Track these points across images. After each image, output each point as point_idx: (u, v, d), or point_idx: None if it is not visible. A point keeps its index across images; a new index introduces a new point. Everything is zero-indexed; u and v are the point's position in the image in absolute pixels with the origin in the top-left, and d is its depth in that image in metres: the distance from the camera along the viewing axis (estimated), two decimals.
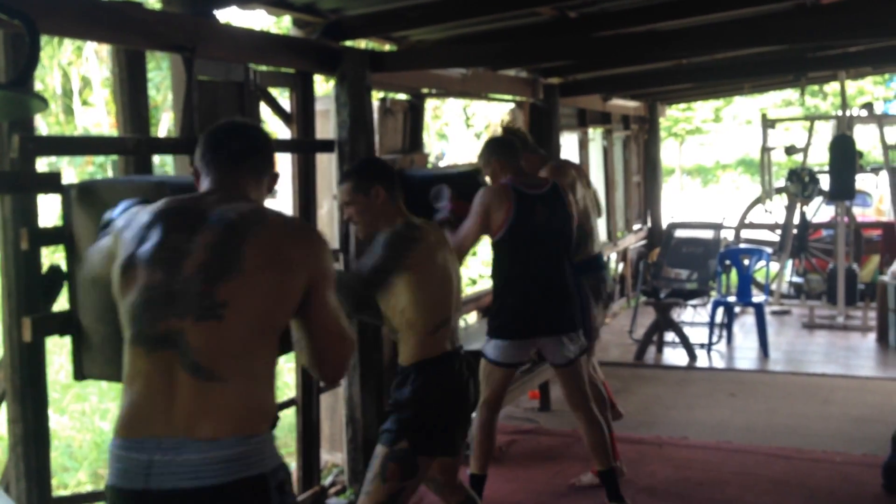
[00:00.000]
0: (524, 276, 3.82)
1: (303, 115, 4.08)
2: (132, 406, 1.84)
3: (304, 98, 4.08)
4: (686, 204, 20.24)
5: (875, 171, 9.38)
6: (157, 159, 4.65)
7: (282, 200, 4.78)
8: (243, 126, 2.18)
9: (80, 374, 2.79)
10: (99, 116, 11.58)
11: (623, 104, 9.38)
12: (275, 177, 2.15)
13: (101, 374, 2.77)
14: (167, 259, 1.87)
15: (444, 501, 3.23)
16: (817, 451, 4.88)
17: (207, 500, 1.79)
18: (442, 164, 10.67)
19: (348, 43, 4.32)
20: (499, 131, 5.52)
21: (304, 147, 4.09)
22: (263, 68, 3.86)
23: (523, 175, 3.93)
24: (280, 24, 10.22)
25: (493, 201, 3.76)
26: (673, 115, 21.35)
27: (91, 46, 11.08)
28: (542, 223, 3.82)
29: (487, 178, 4.08)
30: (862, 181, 9.48)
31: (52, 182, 2.77)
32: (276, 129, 4.27)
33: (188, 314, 1.83)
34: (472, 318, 6.32)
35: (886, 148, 8.75)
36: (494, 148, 3.98)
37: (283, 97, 4.42)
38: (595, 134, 8.90)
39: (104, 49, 11.44)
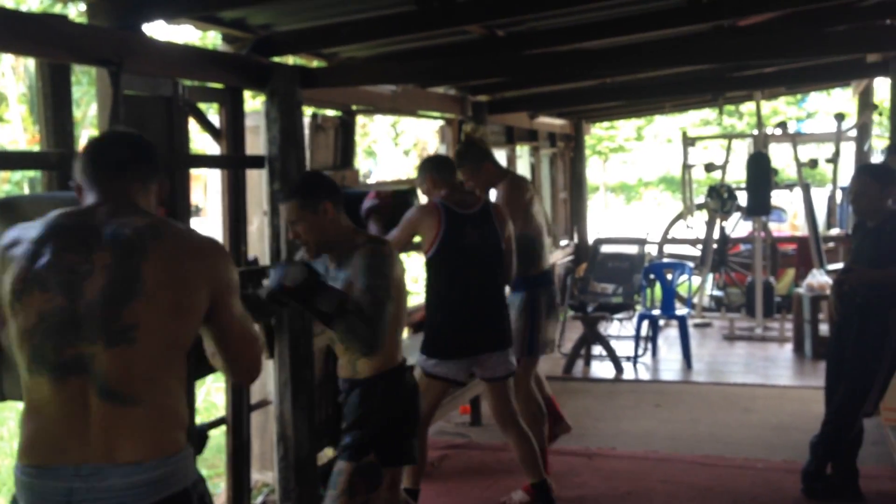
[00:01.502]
0: (457, 293, 3.87)
1: (232, 131, 4.04)
2: (41, 433, 1.80)
3: (234, 114, 4.04)
4: (610, 220, 20.65)
5: (789, 187, 9.75)
6: None
7: (211, 216, 4.73)
8: (124, 135, 2.15)
9: (0, 395, 2.70)
10: (15, 133, 11.26)
11: (549, 122, 9.54)
12: (164, 186, 2.10)
13: (21, 396, 2.70)
14: (65, 283, 1.81)
15: None
16: (739, 458, 5.02)
17: None
18: (369, 181, 10.68)
19: (278, 59, 4.31)
20: (430, 152, 5.57)
21: (234, 163, 4.05)
22: (192, 83, 3.82)
23: (457, 192, 3.98)
24: (205, 39, 10.11)
25: (422, 220, 3.83)
26: (597, 134, 21.81)
27: (8, 61, 10.75)
28: (472, 242, 3.88)
29: (422, 194, 4.14)
30: (777, 197, 9.83)
31: None
32: (206, 145, 4.21)
33: (98, 339, 1.79)
34: (403, 333, 6.32)
35: (800, 165, 9.11)
36: (430, 165, 4.04)
37: (212, 113, 4.36)
38: (522, 151, 9.02)
39: (21, 64, 11.12)
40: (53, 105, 3.01)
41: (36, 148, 4.02)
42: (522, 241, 4.45)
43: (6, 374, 2.64)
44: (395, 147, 13.60)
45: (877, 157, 10.14)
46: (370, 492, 2.91)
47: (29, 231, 1.89)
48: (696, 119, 22.13)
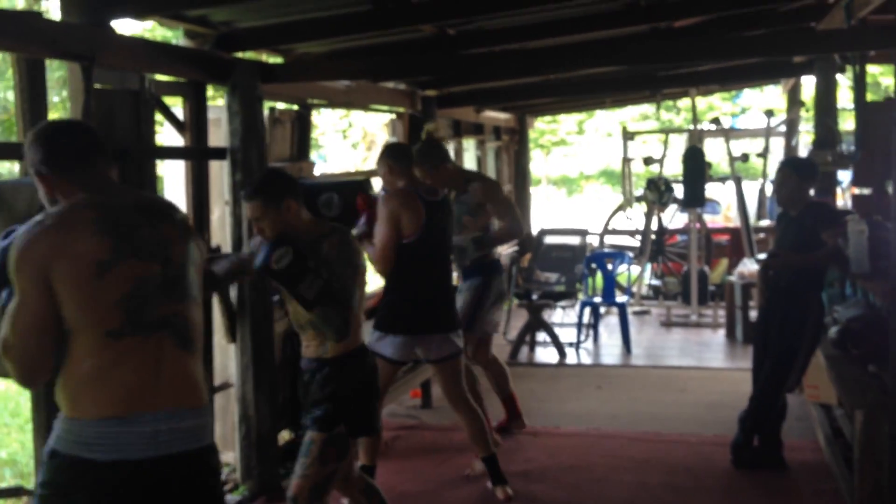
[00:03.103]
0: (421, 277, 4.08)
1: (196, 124, 4.20)
2: (120, 387, 2.01)
3: (197, 107, 4.21)
4: (552, 212, 21.05)
5: (723, 180, 10.18)
6: None
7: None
8: (80, 123, 2.39)
9: None
10: None
11: (495, 116, 9.80)
12: (115, 167, 2.46)
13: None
14: (156, 252, 2.09)
15: (347, 490, 3.44)
16: (675, 433, 5.36)
17: (206, 457, 2.14)
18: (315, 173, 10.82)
19: (239, 54, 4.47)
20: (378, 144, 5.77)
21: (198, 154, 4.21)
22: (157, 77, 3.97)
23: (418, 183, 4.17)
24: (154, 32, 10.10)
25: (404, 207, 3.99)
26: (539, 128, 22.16)
27: None
28: (440, 229, 4.11)
29: (378, 180, 4.33)
30: (711, 190, 10.24)
31: None
32: (170, 136, 4.36)
33: (183, 299, 2.12)
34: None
35: (732, 159, 9.53)
36: (389, 152, 4.21)
37: (175, 106, 4.50)
38: (469, 144, 9.27)
39: None
40: (30, 98, 3.15)
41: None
42: (485, 232, 4.75)
43: None
44: (343, 140, 13.73)
45: (804, 152, 10.64)
46: (340, 460, 3.11)
47: (63, 217, 2.03)
48: (636, 114, 22.59)
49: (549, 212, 20.66)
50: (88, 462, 1.98)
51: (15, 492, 3.41)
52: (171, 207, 2.26)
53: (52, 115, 4.69)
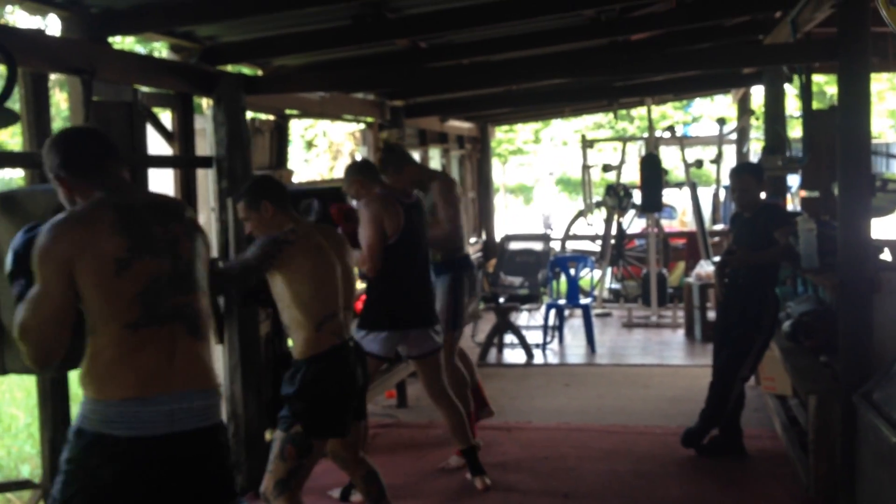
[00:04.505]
0: (402, 275, 4.29)
1: (183, 134, 4.38)
2: (140, 372, 2.21)
3: (185, 118, 4.38)
4: (511, 220, 21.37)
5: (678, 186, 10.54)
6: None
7: None
8: (94, 130, 2.55)
9: (2, 369, 3.00)
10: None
11: (458, 125, 10.06)
12: (128, 172, 2.63)
13: (23, 368, 2.99)
14: (168, 249, 2.28)
15: (349, 474, 3.65)
16: (640, 426, 5.64)
17: (216, 434, 2.34)
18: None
19: (221, 67, 4.65)
20: (344, 153, 5.98)
21: (186, 163, 4.38)
22: (146, 90, 4.14)
23: (391, 188, 4.39)
24: (132, 45, 10.20)
25: (386, 210, 4.18)
26: (497, 137, 22.50)
27: None
28: (417, 229, 4.33)
29: (351, 198, 4.50)
30: (668, 196, 10.59)
31: None
32: (157, 146, 4.52)
33: (190, 290, 2.31)
34: None
35: (687, 166, 9.88)
36: (355, 170, 4.36)
37: (163, 117, 4.66)
38: (434, 153, 9.51)
39: None
40: (35, 110, 3.31)
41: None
42: (451, 231, 4.94)
43: (8, 350, 2.94)
44: (307, 151, 13.89)
45: (755, 158, 11.04)
46: (301, 458, 3.27)
47: (84, 217, 2.21)
48: (590, 122, 23.07)
49: (508, 219, 20.97)
50: (112, 438, 2.19)
51: (24, 485, 3.55)
52: (179, 206, 2.45)
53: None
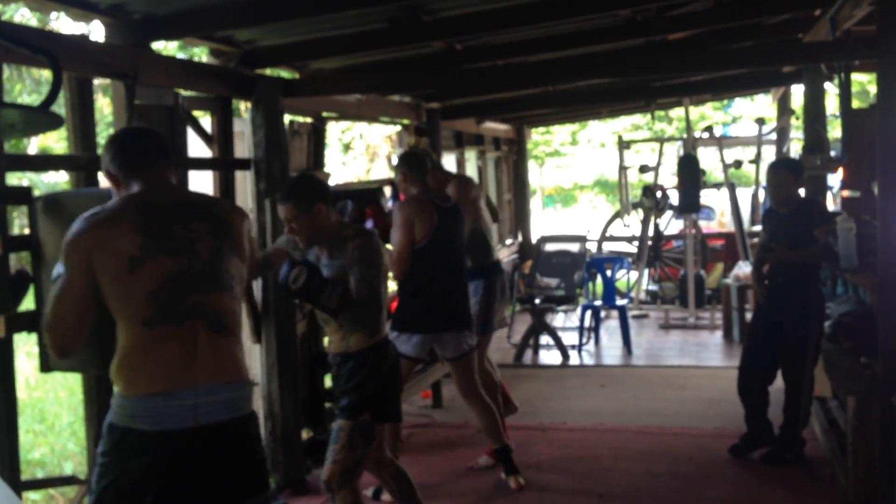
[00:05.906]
0: (436, 279, 4.33)
1: (223, 136, 4.46)
2: (163, 368, 2.26)
3: (224, 121, 4.47)
4: (549, 222, 21.34)
5: (717, 187, 10.46)
6: None
7: None
8: (148, 130, 2.61)
9: (46, 366, 3.09)
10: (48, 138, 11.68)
11: (494, 127, 10.08)
12: (177, 174, 2.58)
13: (65, 366, 3.09)
14: (184, 248, 2.30)
15: (377, 475, 3.68)
16: (677, 427, 5.61)
17: (245, 425, 2.37)
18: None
19: (259, 71, 4.73)
20: (381, 156, 6.01)
21: (225, 165, 4.46)
22: (187, 94, 4.23)
23: (430, 190, 4.42)
24: (173, 51, 10.39)
25: (418, 213, 4.23)
26: (534, 139, 22.48)
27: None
28: (452, 233, 4.36)
29: (388, 190, 4.57)
30: (706, 197, 10.52)
31: (22, 195, 3.06)
32: (199, 148, 4.61)
33: (211, 289, 2.32)
34: None
35: (726, 167, 9.81)
36: (406, 160, 4.44)
37: (203, 120, 4.75)
38: (470, 154, 9.55)
39: (45, 75, 11.32)
40: (80, 114, 3.40)
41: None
42: (476, 235, 4.95)
43: None
44: (345, 154, 14.02)
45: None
46: (366, 446, 3.35)
47: (110, 214, 2.28)
48: (628, 124, 22.95)
49: (546, 222, 20.94)
50: (139, 432, 2.25)
51: (69, 480, 3.65)
52: (210, 204, 2.44)
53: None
